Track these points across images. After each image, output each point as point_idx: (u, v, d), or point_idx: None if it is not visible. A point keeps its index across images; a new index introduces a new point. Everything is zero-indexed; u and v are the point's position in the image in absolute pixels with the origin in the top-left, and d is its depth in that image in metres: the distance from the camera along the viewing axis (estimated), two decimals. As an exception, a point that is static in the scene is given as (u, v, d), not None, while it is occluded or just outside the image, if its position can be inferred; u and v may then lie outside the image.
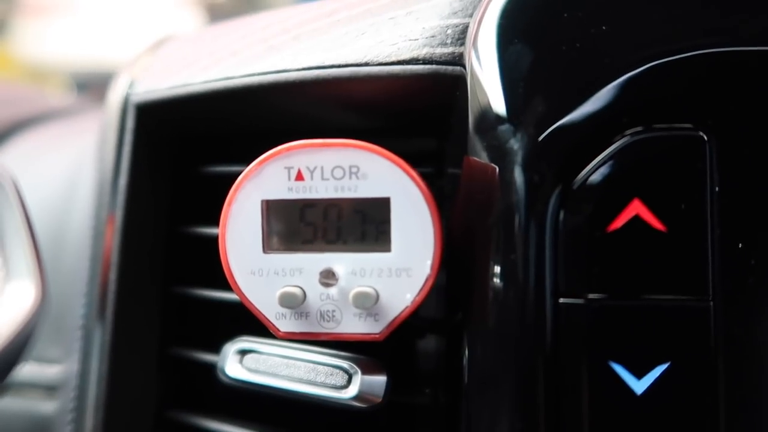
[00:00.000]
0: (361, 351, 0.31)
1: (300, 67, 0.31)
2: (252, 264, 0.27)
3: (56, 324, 0.45)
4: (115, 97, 0.40)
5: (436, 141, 0.35)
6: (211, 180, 0.38)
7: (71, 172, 0.52)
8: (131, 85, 0.39)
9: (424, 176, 0.29)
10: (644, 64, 0.24)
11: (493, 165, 0.26)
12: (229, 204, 0.27)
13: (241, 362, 0.33)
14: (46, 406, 0.44)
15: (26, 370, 0.46)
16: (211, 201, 0.34)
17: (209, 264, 0.38)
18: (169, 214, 0.40)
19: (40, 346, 0.46)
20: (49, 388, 0.45)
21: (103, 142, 0.40)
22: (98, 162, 0.41)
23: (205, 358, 0.37)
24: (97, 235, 0.39)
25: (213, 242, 0.35)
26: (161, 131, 0.39)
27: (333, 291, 0.27)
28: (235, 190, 0.27)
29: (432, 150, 0.34)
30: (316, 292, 0.27)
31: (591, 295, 0.24)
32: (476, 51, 0.27)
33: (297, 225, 0.27)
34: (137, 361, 0.38)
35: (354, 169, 0.26)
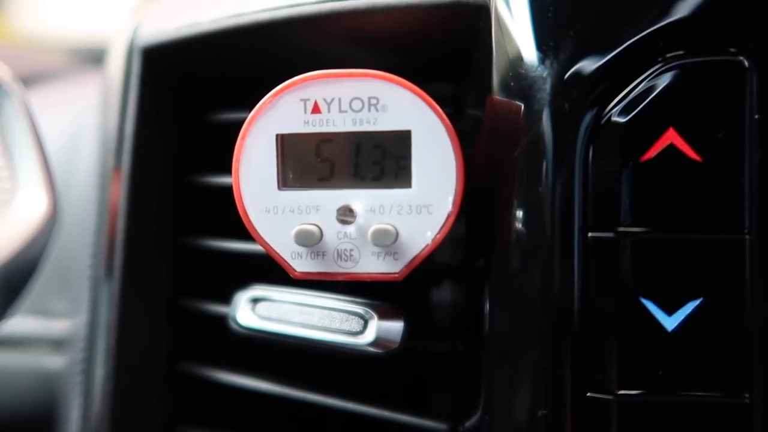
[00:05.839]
0: (376, 298, 0.30)
1: (315, 0, 0.30)
2: (267, 201, 0.26)
3: (62, 278, 0.44)
4: (119, 41, 0.38)
5: (454, 85, 0.33)
6: (220, 127, 0.37)
7: (73, 128, 0.51)
8: (136, 29, 0.38)
9: (443, 116, 0.28)
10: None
11: (518, 103, 0.25)
12: (243, 138, 0.26)
13: (253, 310, 0.32)
14: (53, 361, 0.43)
15: (32, 325, 0.45)
16: (220, 149, 0.32)
17: (219, 214, 0.37)
18: (177, 162, 0.39)
19: (46, 300, 0.45)
20: (56, 343, 0.44)
21: (108, 89, 0.39)
22: (102, 111, 0.40)
23: (216, 309, 0.36)
24: (103, 185, 0.38)
25: (222, 192, 0.34)
26: (168, 76, 0.38)
27: (351, 229, 0.26)
28: (249, 124, 0.26)
29: (450, 94, 0.33)
30: (333, 230, 0.26)
31: (621, 229, 0.23)
32: (501, -22, 0.26)
33: (313, 160, 0.26)
34: (146, 312, 0.38)
35: (373, 101, 0.25)
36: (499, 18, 0.26)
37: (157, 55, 0.37)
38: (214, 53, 0.36)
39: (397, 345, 0.29)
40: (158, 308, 0.38)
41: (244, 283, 0.33)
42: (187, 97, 0.39)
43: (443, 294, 0.35)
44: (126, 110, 0.37)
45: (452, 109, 0.32)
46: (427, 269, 0.33)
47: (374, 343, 0.28)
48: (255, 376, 0.36)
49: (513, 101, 0.25)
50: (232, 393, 0.37)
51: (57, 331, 0.44)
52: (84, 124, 0.49)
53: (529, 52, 0.25)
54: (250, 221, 0.27)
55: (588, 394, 0.23)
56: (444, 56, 0.32)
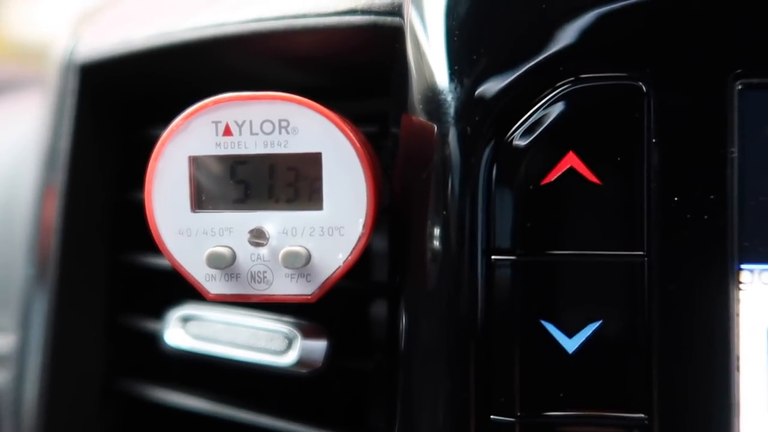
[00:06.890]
0: (310, 316, 0.30)
1: (237, 20, 0.30)
2: (180, 223, 0.26)
3: (6, 292, 0.44)
4: (57, 57, 0.38)
5: (383, 103, 0.33)
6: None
7: (25, 140, 0.50)
8: (74, 45, 0.38)
9: (369, 136, 0.28)
10: (584, 11, 0.23)
11: (430, 123, 0.25)
12: (155, 160, 0.26)
13: (183, 329, 0.32)
14: (-2, 378, 0.43)
15: (-25, 341, 0.45)
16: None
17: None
18: (117, 179, 0.39)
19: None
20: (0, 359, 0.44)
21: (46, 105, 0.39)
22: (42, 128, 0.40)
23: (153, 326, 0.36)
24: (39, 200, 0.38)
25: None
26: (108, 93, 0.38)
27: (263, 251, 0.26)
28: (161, 146, 0.26)
29: (380, 113, 0.33)
30: (246, 253, 0.26)
31: (523, 251, 0.23)
32: (414, 1, 0.26)
33: (227, 183, 0.26)
34: (82, 329, 0.37)
35: (284, 123, 0.25)
36: (413, 40, 0.26)
37: (95, 72, 0.37)
38: (151, 71, 0.36)
39: (320, 364, 0.29)
40: (96, 325, 0.38)
41: (186, 300, 0.32)
42: (130, 113, 0.39)
43: (379, 311, 0.35)
44: (61, 127, 0.37)
45: (378, 127, 0.32)
46: (360, 287, 0.33)
47: (298, 363, 0.28)
48: (195, 394, 0.36)
49: (425, 121, 0.25)
50: (172, 411, 0.37)
51: (1, 347, 0.44)
52: (35, 135, 0.49)
53: (438, 74, 0.25)
54: (163, 244, 0.27)
55: (491, 416, 0.23)
56: (372, 75, 0.32)
